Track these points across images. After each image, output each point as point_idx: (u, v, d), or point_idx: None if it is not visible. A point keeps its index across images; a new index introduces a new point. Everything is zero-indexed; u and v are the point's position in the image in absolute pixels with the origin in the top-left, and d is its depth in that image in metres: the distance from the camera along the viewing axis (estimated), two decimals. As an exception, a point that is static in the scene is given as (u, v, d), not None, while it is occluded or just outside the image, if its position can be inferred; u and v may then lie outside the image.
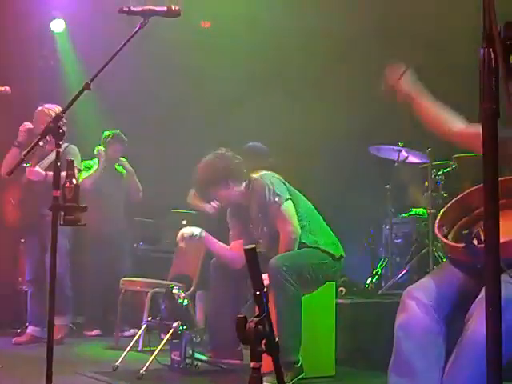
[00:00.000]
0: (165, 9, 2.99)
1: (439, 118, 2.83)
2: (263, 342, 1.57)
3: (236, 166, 4.18)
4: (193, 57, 6.31)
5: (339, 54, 5.81)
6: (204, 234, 4.21)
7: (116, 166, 6.00)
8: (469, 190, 2.61)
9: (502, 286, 2.24)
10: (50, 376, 2.60)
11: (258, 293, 1.58)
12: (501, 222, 2.34)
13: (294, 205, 4.14)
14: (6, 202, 5.31)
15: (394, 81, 2.92)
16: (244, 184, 4.21)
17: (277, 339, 1.60)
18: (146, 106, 6.13)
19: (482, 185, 1.42)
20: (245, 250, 1.58)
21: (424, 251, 5.04)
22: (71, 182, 2.90)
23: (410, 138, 5.40)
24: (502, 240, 2.20)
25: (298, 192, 4.27)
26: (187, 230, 4.21)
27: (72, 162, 3.00)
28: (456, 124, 2.78)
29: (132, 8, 2.91)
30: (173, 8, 2.98)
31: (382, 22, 5.54)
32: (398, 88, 2.92)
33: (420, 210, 5.38)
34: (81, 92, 2.86)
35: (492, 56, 1.36)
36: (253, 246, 1.59)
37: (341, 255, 4.19)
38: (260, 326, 1.56)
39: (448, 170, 5.08)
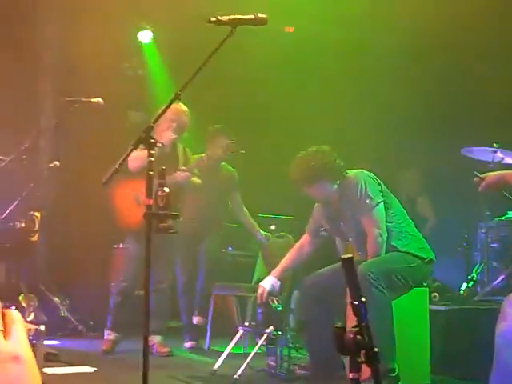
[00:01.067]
0: (252, 17, 3.01)
1: None
2: (362, 352, 1.54)
3: (334, 166, 4.12)
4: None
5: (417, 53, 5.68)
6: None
7: (224, 166, 5.68)
8: None
9: None
10: (145, 377, 2.62)
11: (356, 303, 1.54)
12: None
13: (387, 207, 4.07)
14: (126, 198, 4.98)
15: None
16: (338, 182, 4.15)
17: (376, 349, 1.56)
18: (240, 108, 6.15)
19: None
20: (342, 260, 1.55)
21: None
22: (163, 191, 2.94)
23: (506, 138, 5.21)
24: None
25: (391, 194, 4.20)
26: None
27: (164, 170, 3.03)
28: None
29: (220, 18, 2.94)
30: (259, 16, 2.99)
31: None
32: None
33: (517, 214, 5.18)
34: (171, 102, 2.91)
35: None
36: (350, 255, 1.56)
37: (430, 258, 4.08)
38: (359, 337, 1.52)
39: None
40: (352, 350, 1.52)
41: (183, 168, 4.99)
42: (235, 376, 3.94)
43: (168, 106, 2.98)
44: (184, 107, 5.02)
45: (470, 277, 5.15)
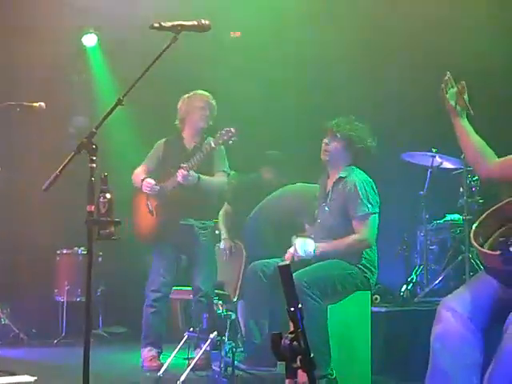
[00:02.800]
0: (195, 23, 3.03)
1: (472, 148, 2.85)
2: (298, 358, 1.57)
3: (363, 145, 4.16)
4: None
5: (368, 63, 5.79)
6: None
7: None
8: (508, 200, 2.58)
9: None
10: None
11: (292, 309, 1.58)
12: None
13: None
14: (140, 207, 4.87)
15: (441, 89, 2.94)
16: (348, 166, 4.18)
17: (312, 355, 1.60)
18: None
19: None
20: (279, 267, 1.59)
21: (460, 258, 4.98)
22: (105, 197, 2.93)
23: (443, 143, 5.35)
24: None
25: None
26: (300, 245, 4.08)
27: (106, 176, 3.02)
28: (490, 158, 2.79)
29: (163, 24, 2.95)
30: (203, 22, 3.02)
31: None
32: (442, 97, 2.93)
33: (455, 217, 5.32)
34: (114, 108, 2.89)
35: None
36: (287, 262, 1.59)
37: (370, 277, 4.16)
38: (295, 343, 1.56)
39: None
40: (288, 356, 1.56)
41: (183, 165, 4.59)
42: (178, 382, 3.93)
43: (110, 113, 2.94)
44: (209, 94, 4.90)
45: (409, 279, 5.28)
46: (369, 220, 4.05)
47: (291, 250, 4.10)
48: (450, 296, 2.60)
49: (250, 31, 6.64)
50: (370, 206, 4.04)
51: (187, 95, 4.91)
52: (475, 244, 2.53)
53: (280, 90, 6.16)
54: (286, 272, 1.58)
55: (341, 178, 4.17)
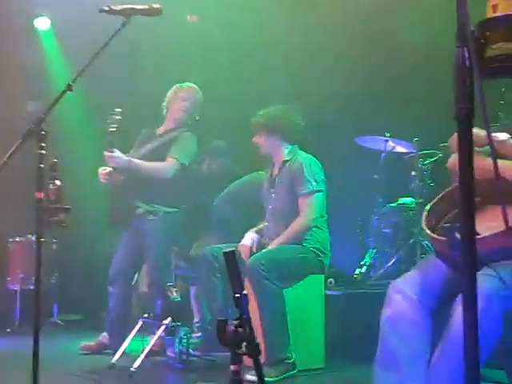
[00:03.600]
0: (146, 7, 2.99)
1: None
2: (243, 344, 1.58)
3: (294, 126, 4.26)
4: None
5: (322, 46, 5.79)
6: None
7: None
8: (454, 186, 2.61)
9: (483, 279, 2.27)
10: (35, 375, 2.55)
11: (237, 295, 1.58)
12: (485, 216, 2.36)
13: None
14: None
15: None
16: (289, 149, 4.26)
17: (257, 341, 1.60)
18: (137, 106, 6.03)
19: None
20: (224, 254, 1.58)
21: (412, 241, 5.06)
22: (54, 184, 2.89)
23: (396, 127, 5.41)
24: (487, 233, 2.24)
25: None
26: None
27: (56, 163, 2.97)
28: None
29: (112, 7, 2.90)
30: (154, 6, 2.98)
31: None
32: None
33: (408, 200, 5.38)
34: (63, 93, 2.84)
35: (466, 55, 1.35)
36: (232, 249, 1.59)
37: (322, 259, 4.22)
38: (240, 329, 1.56)
39: (435, 159, 5.10)
40: (233, 342, 1.56)
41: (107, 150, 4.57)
42: (132, 368, 3.92)
43: (59, 98, 2.90)
44: (196, 87, 4.92)
45: (363, 262, 5.33)
46: (313, 198, 4.12)
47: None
48: (399, 279, 2.63)
49: (207, 15, 6.59)
50: (314, 183, 4.11)
51: (177, 85, 4.95)
52: (425, 229, 2.56)
53: (229, 76, 6.12)
54: (231, 258, 1.58)
55: (285, 161, 4.26)
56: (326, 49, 5.81)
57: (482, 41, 1.34)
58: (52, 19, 6.83)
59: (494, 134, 2.58)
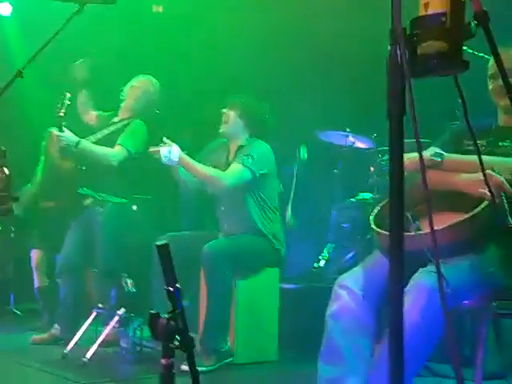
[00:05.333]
0: (102, -5, 2.95)
1: None
2: (176, 338, 1.57)
3: (259, 118, 4.31)
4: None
5: (287, 44, 5.77)
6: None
7: None
8: (411, 186, 2.63)
9: (427, 275, 2.30)
10: None
11: (171, 289, 1.57)
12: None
13: (262, 185, 4.20)
14: None
15: None
16: (248, 138, 4.29)
17: (191, 335, 1.59)
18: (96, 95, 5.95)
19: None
20: (157, 246, 1.57)
21: (370, 235, 5.08)
22: (3, 172, 2.84)
23: (357, 123, 5.44)
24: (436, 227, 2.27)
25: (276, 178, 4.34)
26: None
27: (4, 151, 2.92)
28: None
29: (66, -6, 2.87)
30: (109, -5, 2.94)
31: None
32: None
33: (367, 195, 5.42)
34: (12, 80, 2.80)
35: (399, 53, 1.35)
36: (164, 242, 1.57)
37: (279, 248, 4.24)
38: (172, 322, 1.55)
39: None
40: (165, 336, 1.55)
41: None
42: (84, 358, 3.89)
43: (9, 84, 2.86)
44: (152, 78, 4.92)
45: (321, 256, 5.36)
46: (240, 169, 4.12)
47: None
48: (345, 274, 2.65)
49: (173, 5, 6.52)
50: (251, 161, 4.11)
51: (136, 77, 4.98)
52: (372, 224, 2.59)
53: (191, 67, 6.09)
54: (164, 251, 1.56)
55: (241, 146, 4.27)
56: (284, 42, 5.80)
57: (414, 39, 1.34)
58: (14, 5, 6.69)
59: (430, 152, 2.62)
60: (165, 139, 4.08)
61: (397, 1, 1.36)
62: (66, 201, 4.70)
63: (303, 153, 4.66)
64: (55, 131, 4.47)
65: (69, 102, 4.42)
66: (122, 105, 4.94)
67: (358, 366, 2.40)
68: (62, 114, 4.41)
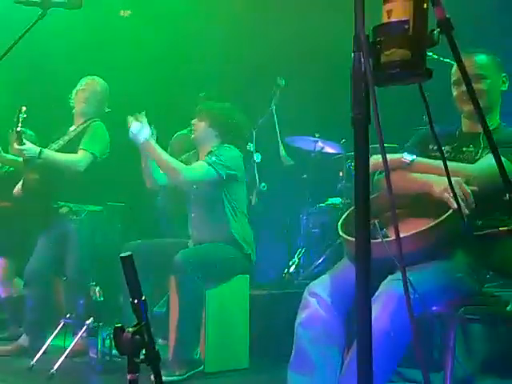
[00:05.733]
0: (65, 0, 2.91)
1: None
2: (142, 352, 1.53)
3: (230, 123, 4.28)
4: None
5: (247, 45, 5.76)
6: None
7: None
8: (379, 193, 2.65)
9: (395, 282, 2.30)
10: None
11: (136, 301, 1.53)
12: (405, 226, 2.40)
13: (232, 189, 4.18)
14: None
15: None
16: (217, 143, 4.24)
17: (156, 349, 1.56)
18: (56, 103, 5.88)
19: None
20: (121, 258, 1.54)
21: (339, 241, 5.07)
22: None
23: (325, 128, 5.44)
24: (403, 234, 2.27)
25: (245, 182, 4.32)
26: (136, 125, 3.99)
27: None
28: None
29: (30, -1, 2.83)
30: (74, -1, 2.91)
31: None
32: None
33: (336, 200, 5.42)
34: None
35: (362, 61, 1.34)
36: (129, 253, 1.54)
37: (249, 253, 4.21)
38: (137, 336, 1.52)
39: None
40: (130, 350, 1.51)
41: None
42: (52, 370, 3.83)
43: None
44: (96, 78, 4.85)
45: (291, 262, 5.35)
46: (202, 165, 4.10)
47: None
48: (315, 282, 2.64)
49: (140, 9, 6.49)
50: (214, 159, 4.09)
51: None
52: (340, 231, 2.58)
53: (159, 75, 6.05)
54: (128, 263, 1.53)
55: (209, 151, 4.21)
56: (249, 43, 5.80)
57: (378, 46, 1.33)
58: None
59: (401, 155, 2.66)
60: (141, 115, 4.01)
61: (360, 7, 1.35)
62: (37, 212, 4.63)
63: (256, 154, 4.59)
64: (16, 145, 4.40)
65: (25, 116, 4.34)
66: (74, 111, 4.84)
67: (328, 375, 2.39)
68: (19, 129, 4.33)
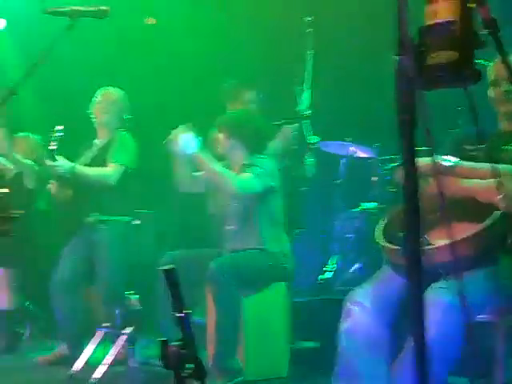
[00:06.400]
0: (93, 9, 2.91)
1: None
2: (187, 366, 1.51)
3: (257, 134, 4.19)
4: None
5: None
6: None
7: None
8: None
9: (440, 291, 2.24)
10: None
11: (179, 315, 1.52)
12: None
13: (270, 200, 4.13)
14: None
15: None
16: (248, 153, 4.18)
17: (203, 362, 1.54)
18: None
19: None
20: (164, 271, 1.52)
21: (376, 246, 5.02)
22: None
23: (358, 132, 5.39)
24: (441, 243, 2.22)
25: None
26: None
27: (1, 170, 2.87)
28: None
29: (58, 9, 2.83)
30: (102, 8, 2.91)
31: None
32: None
33: (370, 205, 5.35)
34: (5, 99, 2.75)
35: (407, 64, 1.31)
36: (172, 266, 1.53)
37: (286, 265, 4.17)
38: (183, 351, 1.50)
39: (396, 164, 5.07)
40: (176, 364, 1.49)
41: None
42: (91, 380, 3.84)
43: (3, 103, 2.81)
44: (111, 88, 4.87)
45: (326, 268, 5.29)
46: (251, 177, 4.02)
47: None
48: (357, 290, 2.60)
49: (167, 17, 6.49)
50: (260, 171, 4.03)
51: None
52: (379, 240, 2.54)
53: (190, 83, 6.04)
54: (171, 276, 1.52)
55: (244, 164, 4.17)
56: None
57: (422, 49, 1.29)
58: (7, 19, 6.65)
59: (443, 158, 2.59)
60: (188, 127, 3.99)
61: (403, 10, 1.32)
62: (67, 224, 4.66)
63: None
64: (49, 162, 4.43)
65: (61, 134, 4.36)
66: (96, 125, 4.85)
67: (376, 384, 2.34)
68: (53, 147, 4.36)
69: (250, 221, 4.15)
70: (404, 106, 1.32)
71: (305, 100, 4.57)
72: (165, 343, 1.50)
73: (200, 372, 1.53)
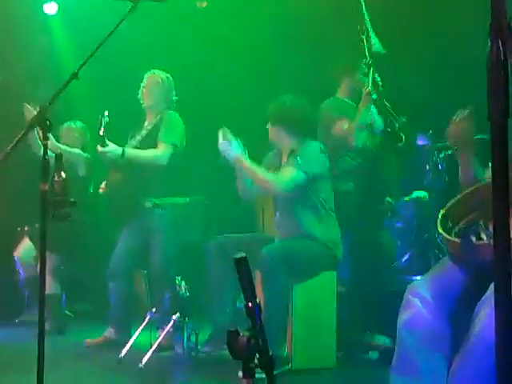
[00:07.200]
0: (155, -8, 2.89)
1: None
2: (256, 356, 1.48)
3: (300, 118, 4.17)
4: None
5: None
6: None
7: None
8: (481, 184, 2.52)
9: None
10: (40, 370, 2.41)
11: (250, 305, 1.48)
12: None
13: (317, 187, 4.09)
14: None
15: None
16: (296, 140, 4.16)
17: (271, 353, 1.51)
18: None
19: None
20: (235, 259, 1.48)
21: (426, 236, 4.93)
22: (60, 175, 2.79)
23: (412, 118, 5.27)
24: None
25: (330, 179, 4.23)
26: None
27: (61, 154, 2.87)
28: None
29: (119, -7, 2.80)
30: (161, -8, 2.89)
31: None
32: None
33: (421, 193, 5.24)
34: (68, 82, 2.74)
35: (501, 49, 1.24)
36: (243, 254, 1.49)
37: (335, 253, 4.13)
38: (253, 341, 1.47)
39: (450, 152, 4.93)
40: (245, 354, 1.46)
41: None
42: (140, 365, 3.85)
43: (65, 86, 2.79)
44: (156, 71, 4.88)
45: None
46: (293, 171, 4.02)
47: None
48: (417, 281, 2.55)
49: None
50: (301, 162, 4.01)
51: None
52: (441, 231, 2.46)
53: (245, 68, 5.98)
54: (242, 265, 1.48)
55: (291, 150, 4.16)
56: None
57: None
58: (60, 4, 6.67)
59: None
60: (226, 131, 3.99)
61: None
62: (122, 209, 4.68)
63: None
64: (100, 147, 4.46)
65: (107, 120, 4.35)
66: (145, 109, 4.88)
67: (436, 377, 2.29)
68: (102, 134, 4.37)
69: (296, 209, 4.12)
70: (496, 94, 1.25)
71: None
72: (234, 333, 1.47)
73: (268, 363, 1.49)
